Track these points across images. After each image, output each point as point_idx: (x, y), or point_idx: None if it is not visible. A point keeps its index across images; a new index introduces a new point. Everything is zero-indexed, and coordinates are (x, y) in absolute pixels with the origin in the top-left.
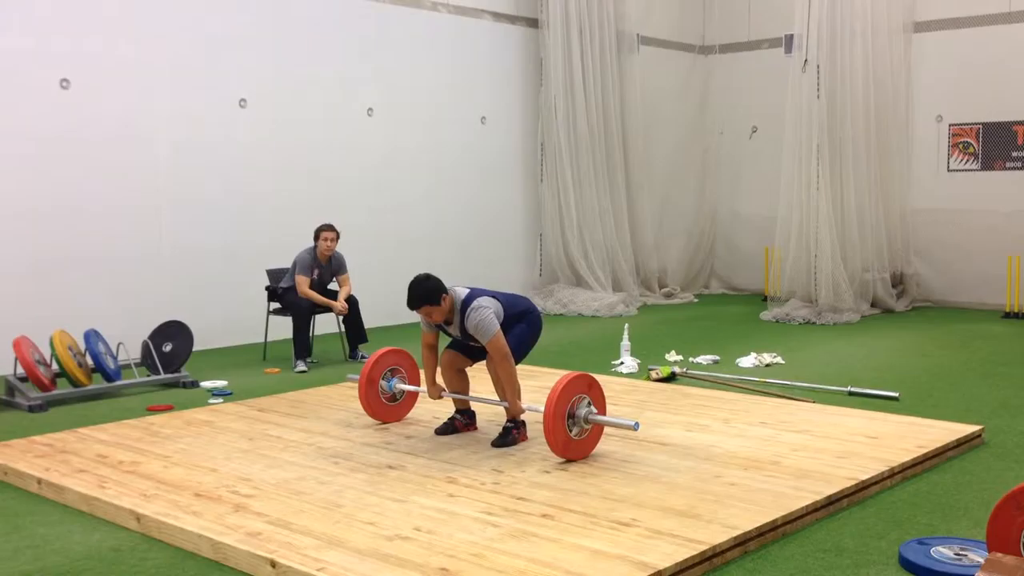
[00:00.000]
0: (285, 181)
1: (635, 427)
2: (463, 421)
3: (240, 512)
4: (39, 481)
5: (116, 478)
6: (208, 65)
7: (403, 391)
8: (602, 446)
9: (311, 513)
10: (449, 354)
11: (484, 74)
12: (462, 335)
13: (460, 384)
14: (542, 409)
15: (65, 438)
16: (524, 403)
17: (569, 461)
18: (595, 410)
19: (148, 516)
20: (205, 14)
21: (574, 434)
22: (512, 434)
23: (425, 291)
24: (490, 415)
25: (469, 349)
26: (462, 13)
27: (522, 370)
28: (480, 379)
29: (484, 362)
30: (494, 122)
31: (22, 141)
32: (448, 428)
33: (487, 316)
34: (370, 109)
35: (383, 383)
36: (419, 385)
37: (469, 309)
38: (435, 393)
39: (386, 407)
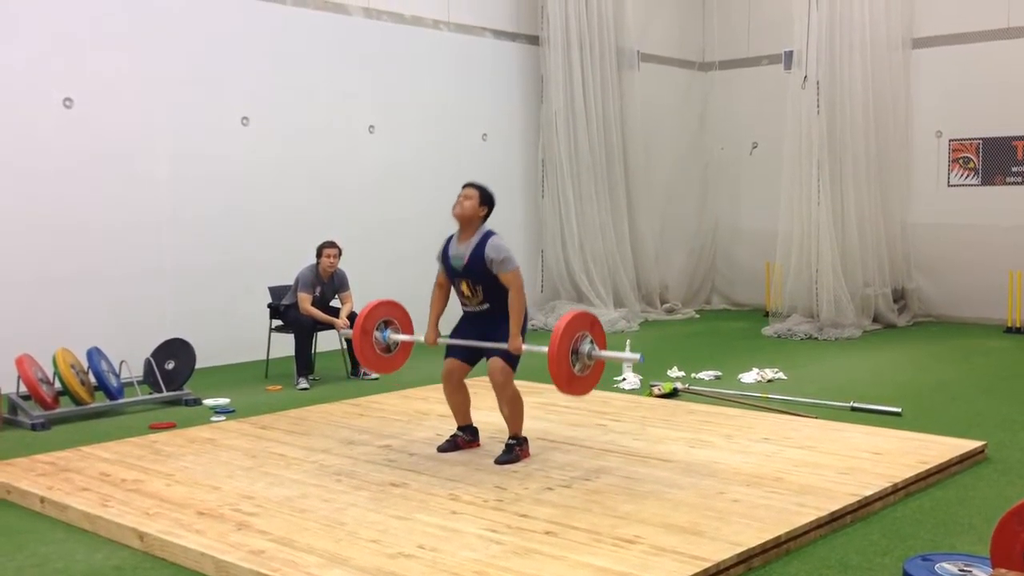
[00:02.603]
0: (287, 198)
1: (640, 360)
2: (465, 438)
3: (243, 530)
4: (42, 499)
5: (119, 496)
6: (210, 83)
7: (397, 342)
8: (604, 462)
9: (314, 531)
10: (449, 363)
11: (485, 91)
12: (468, 265)
13: (460, 398)
14: (545, 350)
15: (68, 456)
16: (524, 393)
17: (571, 478)
18: (597, 347)
19: (151, 534)
20: (207, 33)
21: (577, 370)
22: (515, 451)
23: (484, 186)
24: (493, 431)
25: (468, 352)
26: (463, 31)
27: (524, 386)
28: (481, 395)
29: (486, 378)
30: (495, 138)
31: (25, 159)
32: (450, 445)
33: (509, 249)
34: (371, 126)
35: (377, 334)
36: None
37: (492, 237)
38: (432, 338)
39: (380, 358)
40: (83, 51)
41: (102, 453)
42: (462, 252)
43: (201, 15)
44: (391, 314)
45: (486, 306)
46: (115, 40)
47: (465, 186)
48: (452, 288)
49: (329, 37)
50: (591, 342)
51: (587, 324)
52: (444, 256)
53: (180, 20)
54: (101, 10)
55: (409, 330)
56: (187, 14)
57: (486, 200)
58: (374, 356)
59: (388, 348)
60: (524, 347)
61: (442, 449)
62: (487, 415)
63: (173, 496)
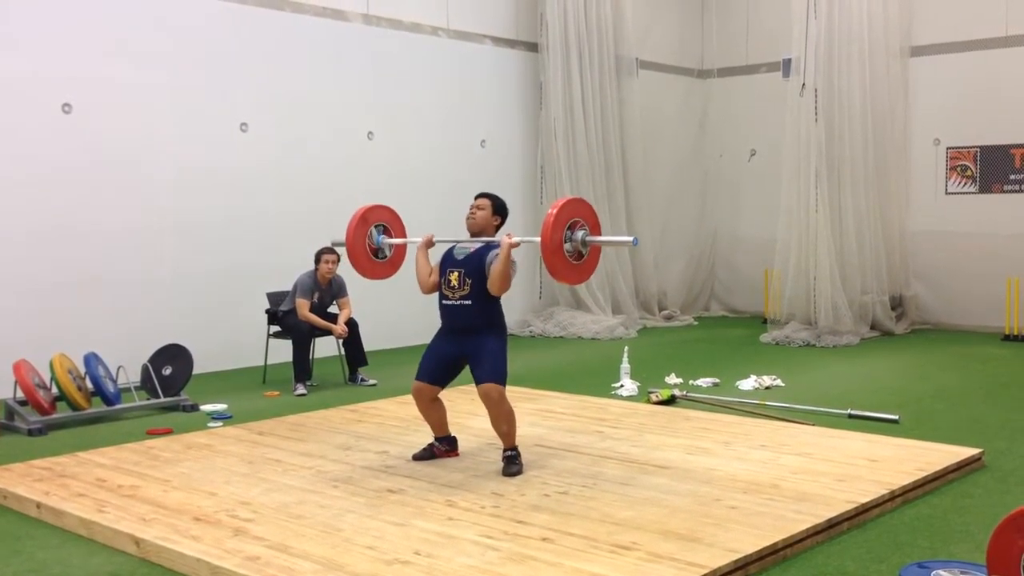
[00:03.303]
0: (286, 204)
1: (634, 243)
2: (443, 448)
3: (239, 536)
4: (38, 505)
5: (115, 502)
6: (209, 89)
7: (387, 249)
8: (601, 469)
9: (310, 537)
10: (417, 386)
11: (484, 97)
12: (470, 256)
13: (435, 413)
14: (539, 240)
15: (64, 462)
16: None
17: (568, 485)
18: (591, 234)
19: (147, 540)
20: (206, 38)
21: (568, 249)
22: (519, 461)
23: (497, 196)
24: (489, 438)
25: (437, 374)
26: (462, 37)
27: (522, 393)
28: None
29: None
30: (494, 145)
31: (24, 165)
32: (426, 454)
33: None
34: (371, 133)
35: (373, 230)
36: (405, 252)
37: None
38: (429, 236)
39: (368, 260)
40: (82, 57)
41: (99, 459)
42: (468, 247)
43: (200, 21)
44: (393, 224)
45: (468, 302)
46: (114, 46)
47: (478, 196)
48: (439, 282)
49: (328, 44)
50: (587, 231)
51: (589, 214)
52: (448, 251)
53: (179, 26)
54: (100, 16)
55: (402, 251)
56: (186, 20)
57: (499, 210)
58: (364, 252)
59: (376, 252)
60: (515, 238)
61: (417, 457)
62: (487, 420)
63: (169, 502)
